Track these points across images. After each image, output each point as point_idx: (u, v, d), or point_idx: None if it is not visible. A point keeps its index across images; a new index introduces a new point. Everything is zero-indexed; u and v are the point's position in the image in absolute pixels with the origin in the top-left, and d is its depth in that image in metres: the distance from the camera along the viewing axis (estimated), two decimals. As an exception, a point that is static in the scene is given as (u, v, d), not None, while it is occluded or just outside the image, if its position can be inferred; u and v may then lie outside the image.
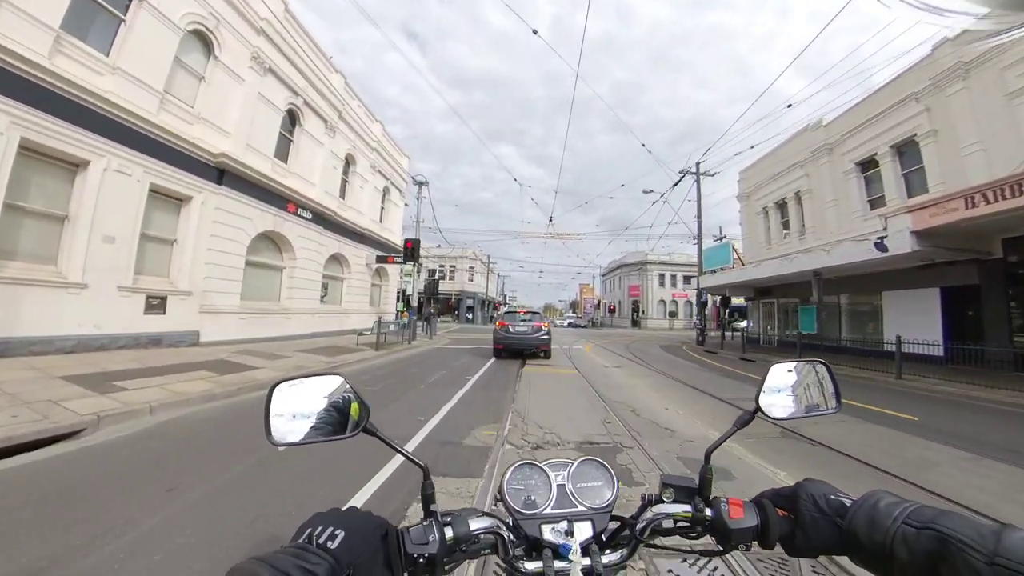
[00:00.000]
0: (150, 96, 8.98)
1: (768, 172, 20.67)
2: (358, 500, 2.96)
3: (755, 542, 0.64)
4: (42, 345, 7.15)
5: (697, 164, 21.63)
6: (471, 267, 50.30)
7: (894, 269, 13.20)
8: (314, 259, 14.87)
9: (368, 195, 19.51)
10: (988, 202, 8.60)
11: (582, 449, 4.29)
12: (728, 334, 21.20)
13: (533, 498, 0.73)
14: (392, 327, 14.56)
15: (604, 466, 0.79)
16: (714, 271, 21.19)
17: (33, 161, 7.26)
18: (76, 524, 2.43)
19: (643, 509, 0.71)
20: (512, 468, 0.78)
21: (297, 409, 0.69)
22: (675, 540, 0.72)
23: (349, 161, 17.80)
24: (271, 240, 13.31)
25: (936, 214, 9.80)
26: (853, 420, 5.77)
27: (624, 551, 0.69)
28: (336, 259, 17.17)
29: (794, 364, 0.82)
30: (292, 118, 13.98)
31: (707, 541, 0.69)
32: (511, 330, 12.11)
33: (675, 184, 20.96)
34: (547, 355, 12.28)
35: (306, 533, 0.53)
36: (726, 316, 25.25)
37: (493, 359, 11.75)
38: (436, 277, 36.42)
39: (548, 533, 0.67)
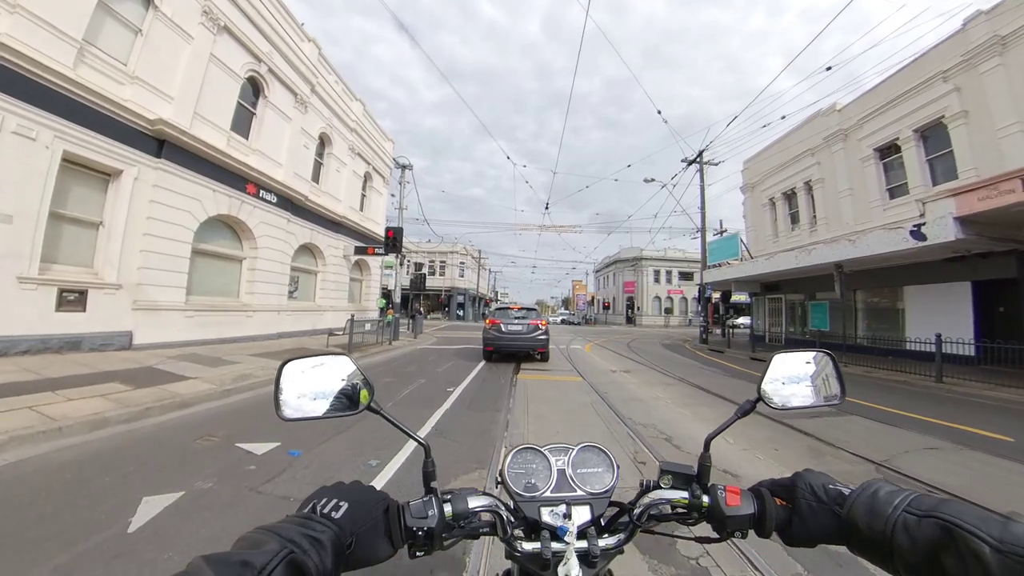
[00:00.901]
0: (64, 45, 7.30)
1: (775, 161, 19.54)
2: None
3: (751, 530, 0.63)
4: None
5: (700, 152, 20.43)
6: (462, 262, 48.70)
7: (920, 262, 12.19)
8: (280, 249, 13.16)
9: (346, 180, 17.77)
10: (1057, 182, 7.47)
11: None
12: (728, 331, 20.43)
13: (533, 481, 0.74)
14: (368, 326, 12.98)
15: (605, 453, 0.80)
16: (719, 265, 19.98)
17: None
18: None
19: (641, 495, 0.72)
20: (513, 452, 0.79)
21: (305, 387, 0.73)
22: (672, 526, 0.72)
23: (324, 141, 16.10)
24: (227, 226, 11.60)
25: (986, 197, 8.62)
26: (950, 447, 4.49)
27: (621, 536, 0.69)
28: (308, 250, 15.49)
29: (798, 355, 0.80)
30: (255, 88, 12.27)
31: (704, 528, 0.69)
32: (503, 329, 10.59)
33: (688, 163, 19.87)
34: (544, 358, 10.91)
35: (311, 504, 0.55)
36: (722, 313, 24.30)
37: (482, 363, 10.32)
38: (423, 271, 34.74)
39: (546, 516, 0.68)
